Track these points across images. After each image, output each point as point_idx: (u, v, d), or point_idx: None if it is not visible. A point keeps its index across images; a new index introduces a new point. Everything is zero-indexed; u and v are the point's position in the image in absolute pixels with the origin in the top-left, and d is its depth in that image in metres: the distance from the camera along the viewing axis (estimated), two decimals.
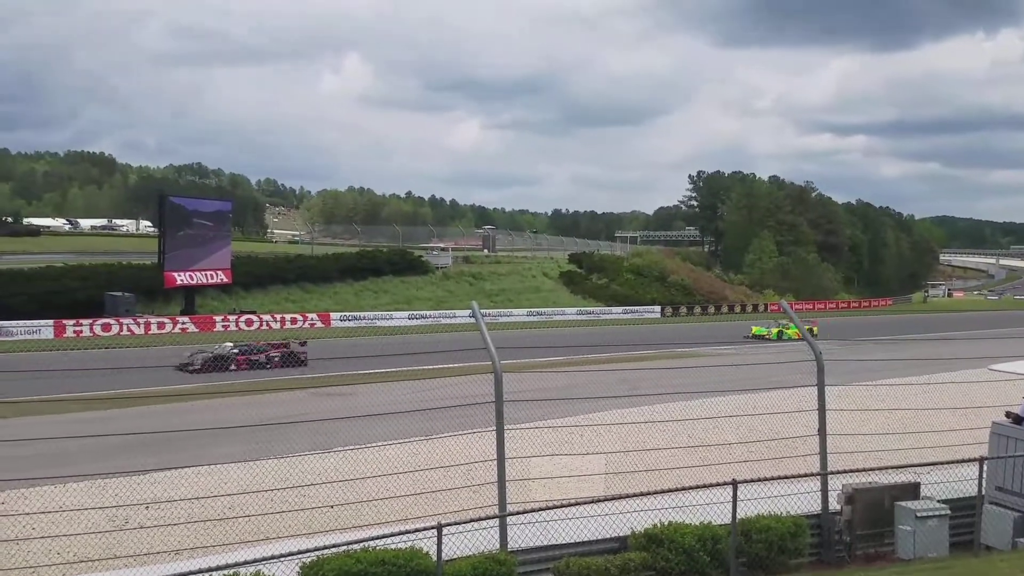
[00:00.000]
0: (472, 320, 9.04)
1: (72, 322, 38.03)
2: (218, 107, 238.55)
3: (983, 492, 9.93)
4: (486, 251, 78.31)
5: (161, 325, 40.51)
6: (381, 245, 71.11)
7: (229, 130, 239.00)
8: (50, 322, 37.55)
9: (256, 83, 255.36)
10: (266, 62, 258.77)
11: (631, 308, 62.49)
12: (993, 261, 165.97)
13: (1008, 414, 10.64)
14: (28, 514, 10.05)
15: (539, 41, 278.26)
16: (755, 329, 44.78)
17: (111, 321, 39.31)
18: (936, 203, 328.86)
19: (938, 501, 10.07)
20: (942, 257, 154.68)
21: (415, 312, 51.59)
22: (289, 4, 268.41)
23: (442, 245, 77.14)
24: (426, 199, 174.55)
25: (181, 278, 43.11)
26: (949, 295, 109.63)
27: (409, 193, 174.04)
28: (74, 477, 11.54)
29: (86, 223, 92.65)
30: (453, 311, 50.22)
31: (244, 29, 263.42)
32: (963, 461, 10.39)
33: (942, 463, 10.74)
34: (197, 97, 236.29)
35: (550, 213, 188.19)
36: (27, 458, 12.90)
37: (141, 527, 10.39)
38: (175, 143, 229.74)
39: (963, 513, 10.10)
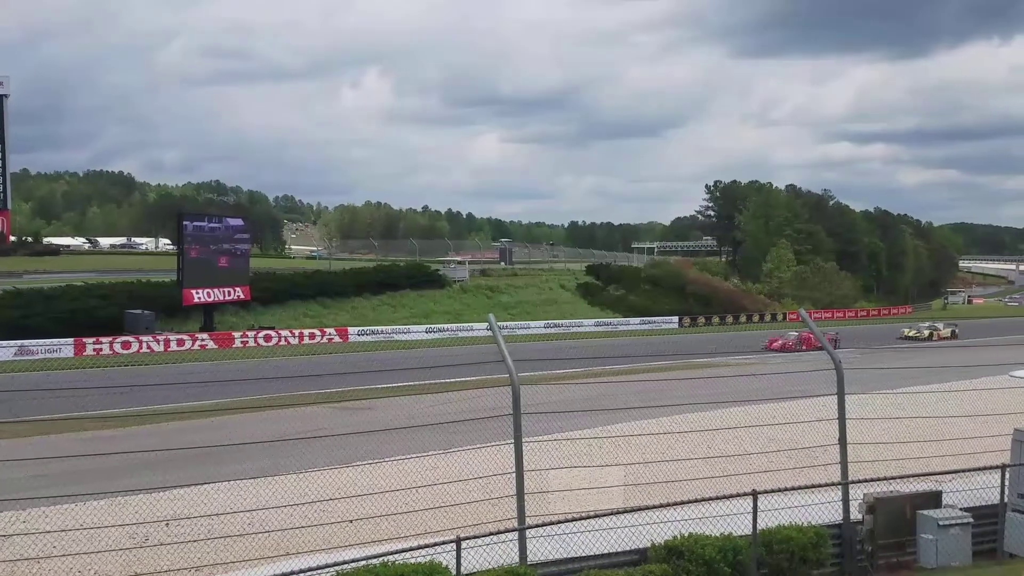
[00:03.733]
0: (490, 333, 9.06)
1: (92, 340, 38.37)
2: (237, 125, 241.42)
3: (1006, 500, 9.82)
4: (503, 264, 78.42)
5: (180, 342, 40.82)
6: (398, 259, 71.38)
7: (248, 148, 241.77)
8: (70, 340, 37.88)
9: (276, 100, 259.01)
10: (286, 79, 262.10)
11: (649, 319, 62.30)
12: (1013, 267, 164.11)
13: None
14: (48, 532, 10.12)
15: (560, 56, 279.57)
16: (906, 331, 50.10)
17: (131, 339, 39.66)
18: (955, 210, 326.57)
19: (960, 509, 9.96)
20: (961, 264, 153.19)
21: (433, 326, 51.70)
22: (311, 21, 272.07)
23: (459, 258, 77.45)
24: (443, 213, 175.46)
25: (200, 295, 43.44)
26: (969, 302, 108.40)
27: (426, 207, 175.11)
28: (94, 495, 11.61)
29: (105, 242, 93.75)
30: (471, 324, 50.27)
31: (265, 47, 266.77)
32: (985, 469, 10.27)
33: (964, 471, 10.63)
34: (216, 115, 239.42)
35: (567, 225, 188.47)
36: (47, 476, 13.03)
37: (161, 544, 10.45)
38: (194, 161, 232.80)
39: (986, 521, 9.98)
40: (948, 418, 14.02)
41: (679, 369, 30.83)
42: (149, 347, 39.47)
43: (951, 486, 10.60)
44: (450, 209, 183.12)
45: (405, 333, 49.13)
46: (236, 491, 12.00)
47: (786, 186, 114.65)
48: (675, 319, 63.57)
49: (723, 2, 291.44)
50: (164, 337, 41.06)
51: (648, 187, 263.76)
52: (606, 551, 8.96)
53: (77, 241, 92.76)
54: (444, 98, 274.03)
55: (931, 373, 23.66)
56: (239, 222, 51.38)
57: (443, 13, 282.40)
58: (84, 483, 12.35)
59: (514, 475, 8.64)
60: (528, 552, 8.61)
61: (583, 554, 8.89)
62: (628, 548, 9.07)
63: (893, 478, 10.03)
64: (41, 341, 37.33)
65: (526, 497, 8.68)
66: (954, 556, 9.51)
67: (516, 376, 8.62)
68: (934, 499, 10.14)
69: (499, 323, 9.41)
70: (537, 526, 8.70)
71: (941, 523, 9.58)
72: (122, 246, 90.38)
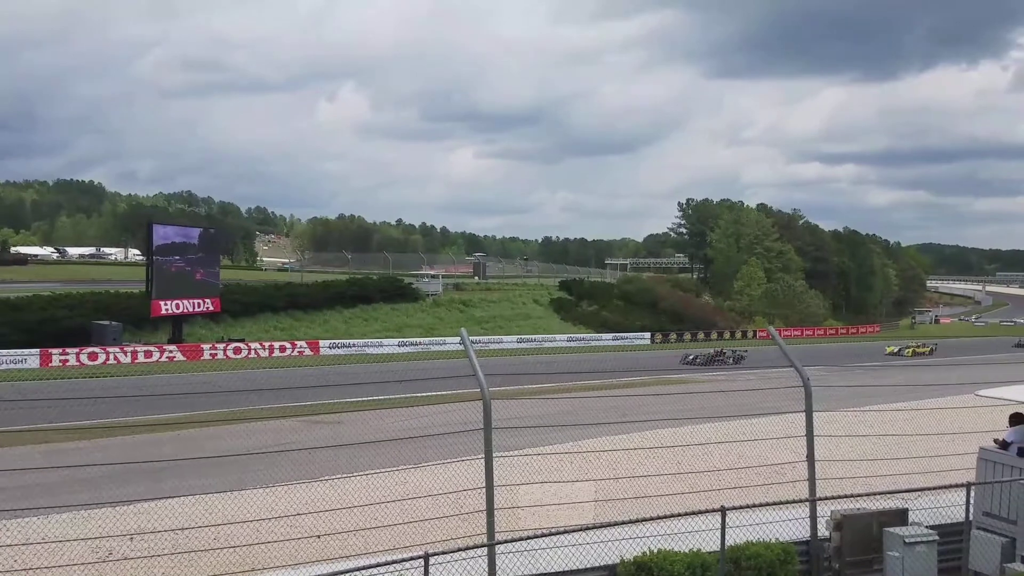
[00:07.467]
0: (462, 347, 9.03)
1: (58, 351, 37.73)
2: (211, 136, 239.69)
3: (971, 517, 9.93)
4: (476, 278, 78.48)
5: (148, 354, 40.26)
6: (371, 272, 71.08)
7: (222, 160, 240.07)
8: (36, 351, 37.25)
9: (252, 113, 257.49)
10: (263, 92, 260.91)
11: (621, 335, 62.55)
12: (979, 288, 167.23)
13: (996, 440, 10.70)
14: (10, 546, 9.90)
15: (536, 73, 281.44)
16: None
17: (97, 350, 39.05)
18: (923, 231, 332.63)
19: (926, 527, 10.05)
20: (929, 284, 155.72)
21: (405, 339, 51.50)
22: (288, 35, 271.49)
23: (432, 272, 77.29)
24: (416, 227, 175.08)
25: (168, 307, 42.92)
26: (936, 321, 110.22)
27: (399, 221, 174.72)
28: (57, 508, 11.39)
29: (74, 251, 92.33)
30: (443, 338, 50.16)
31: (242, 59, 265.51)
32: (951, 487, 10.40)
33: (930, 488, 10.74)
34: (191, 127, 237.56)
35: (540, 240, 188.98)
36: (9, 489, 12.73)
37: (125, 558, 10.27)
38: (167, 173, 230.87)
39: (951, 538, 10.08)
40: (915, 436, 14.20)
41: (651, 385, 30.95)
42: (116, 358, 38.86)
43: (917, 503, 10.70)
44: (424, 223, 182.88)
45: (377, 347, 48.89)
46: (202, 505, 11.83)
47: (757, 205, 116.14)
48: (647, 335, 63.88)
49: (697, 23, 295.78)
50: (131, 348, 40.48)
51: (621, 204, 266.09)
52: (575, 567, 8.92)
53: (45, 251, 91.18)
54: (420, 113, 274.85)
55: (899, 391, 23.95)
56: (210, 233, 50.97)
57: (420, 29, 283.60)
58: (47, 496, 12.11)
59: (484, 490, 8.60)
60: (497, 568, 8.56)
61: (552, 570, 8.85)
62: (598, 564, 9.04)
63: (860, 495, 10.10)
64: (6, 352, 36.61)
65: (496, 512, 8.64)
66: (920, 573, 9.59)
67: (487, 390, 8.59)
68: (900, 516, 10.23)
69: (472, 337, 9.38)
70: (506, 542, 8.65)
71: (907, 540, 9.66)
72: (91, 256, 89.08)
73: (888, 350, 54.79)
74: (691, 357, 45.29)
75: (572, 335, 61.03)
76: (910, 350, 54.18)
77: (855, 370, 37.70)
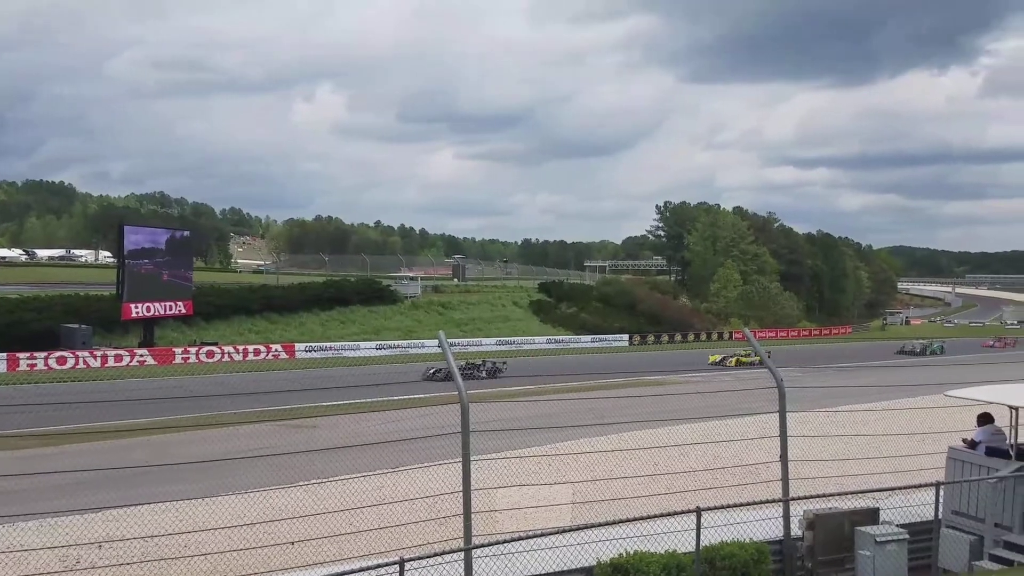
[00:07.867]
0: (440, 350, 8.99)
1: (26, 355, 37.13)
2: (186, 137, 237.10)
3: (940, 516, 10.06)
4: (456, 280, 78.32)
5: (118, 358, 39.73)
6: (349, 275, 70.65)
7: (199, 161, 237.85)
8: (3, 355, 36.62)
9: (227, 113, 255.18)
10: (239, 92, 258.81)
11: (599, 336, 62.77)
12: (949, 290, 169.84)
13: (964, 440, 10.86)
14: None
15: (517, 75, 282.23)
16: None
17: (66, 354, 38.46)
18: (895, 234, 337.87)
19: (897, 526, 10.17)
20: (900, 286, 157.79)
21: (383, 342, 51.27)
22: (270, 34, 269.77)
23: (411, 274, 77.02)
24: (395, 228, 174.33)
25: (139, 309, 42.39)
26: (907, 323, 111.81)
27: (378, 222, 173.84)
28: (23, 516, 11.20)
29: (43, 253, 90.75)
30: (422, 341, 50.04)
31: (222, 60, 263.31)
32: (920, 486, 10.54)
33: (900, 488, 10.88)
34: (167, 128, 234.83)
35: (520, 243, 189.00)
36: None
37: (92, 567, 10.11)
38: (142, 174, 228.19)
39: (921, 537, 10.20)
40: (886, 436, 14.37)
41: (629, 386, 31.07)
42: (86, 362, 38.32)
43: (888, 503, 10.83)
44: (403, 225, 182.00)
45: (354, 350, 48.62)
46: (173, 512, 11.69)
47: (733, 208, 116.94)
48: (625, 337, 64.14)
49: (675, 29, 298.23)
50: (101, 352, 39.93)
51: (601, 206, 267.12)
52: (553, 570, 8.92)
53: (13, 252, 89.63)
54: (400, 114, 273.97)
55: (871, 392, 24.23)
56: (182, 234, 50.44)
57: (401, 32, 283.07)
58: (14, 503, 11.90)
59: (461, 494, 8.56)
60: (474, 572, 8.53)
61: (529, 573, 8.85)
62: (574, 567, 9.04)
63: (832, 495, 10.20)
64: None
65: (473, 516, 8.61)
66: (890, 572, 9.69)
67: (465, 393, 8.56)
68: (872, 516, 10.34)
69: (450, 340, 9.34)
70: (483, 545, 8.62)
71: (878, 539, 9.76)
72: (60, 258, 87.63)
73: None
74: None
75: (551, 337, 61.13)
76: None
77: (827, 370, 38.06)
